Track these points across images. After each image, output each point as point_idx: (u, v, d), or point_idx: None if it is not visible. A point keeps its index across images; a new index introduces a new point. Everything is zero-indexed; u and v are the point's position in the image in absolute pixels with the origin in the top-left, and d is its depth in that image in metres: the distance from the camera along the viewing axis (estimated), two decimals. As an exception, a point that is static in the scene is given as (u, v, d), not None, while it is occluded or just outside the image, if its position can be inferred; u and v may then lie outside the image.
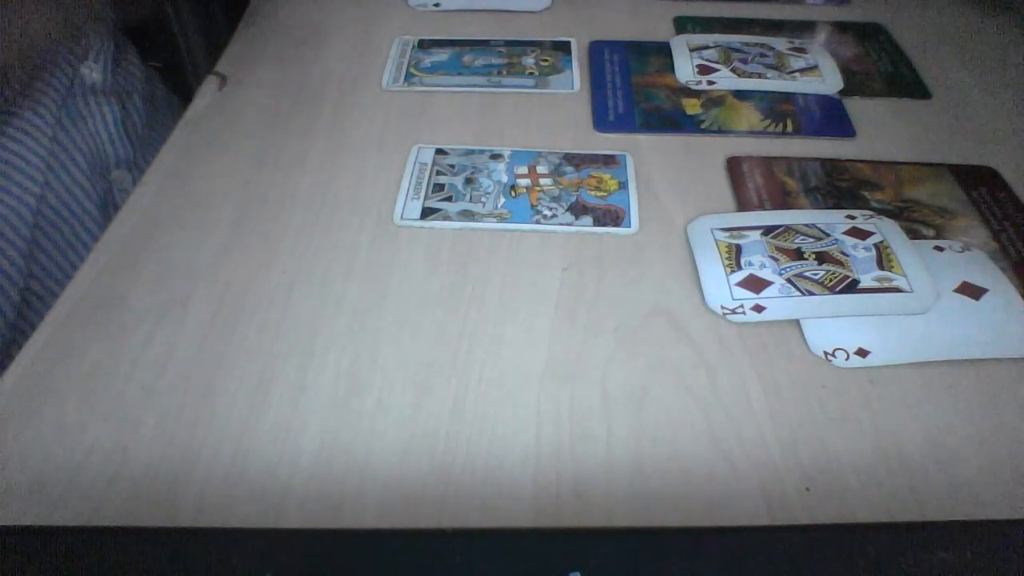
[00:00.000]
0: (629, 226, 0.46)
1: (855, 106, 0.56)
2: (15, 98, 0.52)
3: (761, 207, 0.47)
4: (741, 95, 0.57)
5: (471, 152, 0.51)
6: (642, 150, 0.52)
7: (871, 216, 0.46)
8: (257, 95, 0.57)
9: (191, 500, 0.32)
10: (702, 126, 0.54)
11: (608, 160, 0.51)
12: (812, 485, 0.33)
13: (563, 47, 0.63)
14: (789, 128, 0.54)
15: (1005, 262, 0.43)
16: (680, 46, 0.62)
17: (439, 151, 0.51)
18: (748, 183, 0.49)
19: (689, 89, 0.58)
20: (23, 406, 0.36)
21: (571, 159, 0.51)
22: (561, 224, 0.46)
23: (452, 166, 0.50)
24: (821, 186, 0.49)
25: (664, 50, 0.62)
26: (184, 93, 0.64)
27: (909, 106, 0.57)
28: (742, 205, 0.47)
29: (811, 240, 0.44)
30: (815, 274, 0.42)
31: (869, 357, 0.38)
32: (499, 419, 0.35)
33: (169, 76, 0.70)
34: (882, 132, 0.54)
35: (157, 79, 0.67)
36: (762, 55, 0.61)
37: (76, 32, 0.57)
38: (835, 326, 0.39)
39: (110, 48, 0.60)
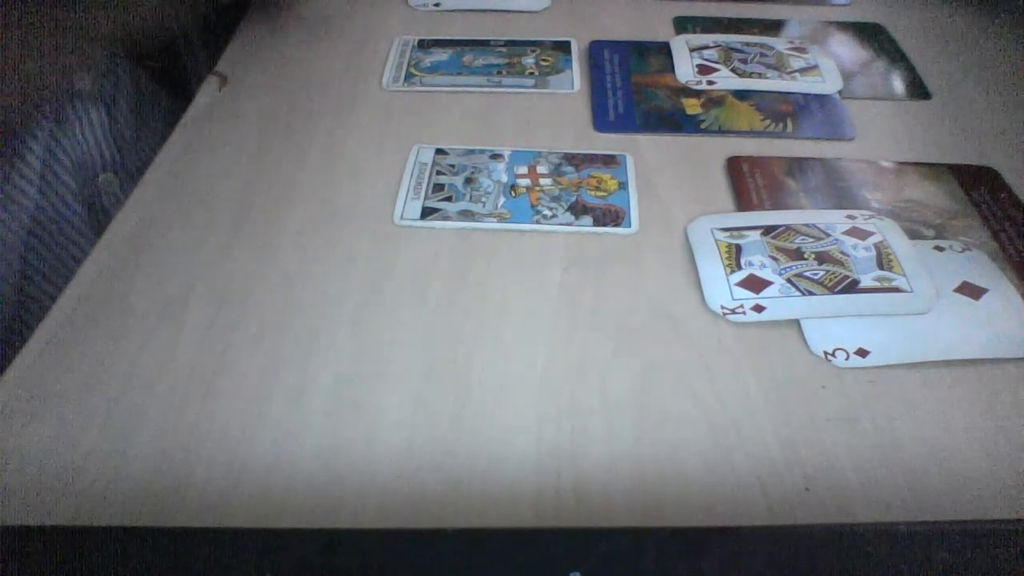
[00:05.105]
0: (629, 226, 0.46)
1: (855, 106, 0.56)
2: (13, 105, 0.53)
3: (761, 207, 0.47)
4: (741, 95, 0.57)
5: (471, 152, 0.51)
6: (642, 150, 0.52)
7: (871, 216, 0.46)
8: (257, 95, 0.57)
9: (191, 500, 0.32)
10: (702, 126, 0.54)
11: (608, 160, 0.51)
12: (812, 485, 0.33)
13: (563, 47, 0.63)
14: (789, 128, 0.54)
15: (1005, 262, 0.43)
16: (680, 46, 0.62)
17: (439, 151, 0.51)
18: (748, 183, 0.49)
19: (689, 89, 0.58)
20: (23, 406, 0.36)
21: (571, 159, 0.51)
22: (561, 224, 0.46)
23: (452, 166, 0.50)
24: (821, 186, 0.49)
25: (664, 50, 0.62)
26: (184, 93, 0.64)
27: (909, 106, 0.57)
28: (742, 205, 0.47)
29: (811, 240, 0.44)
30: (815, 274, 0.42)
31: (869, 357, 0.38)
32: (499, 419, 0.35)
33: (168, 76, 0.70)
34: (882, 132, 0.54)
35: (147, 80, 0.67)
36: (762, 55, 0.61)
37: (74, 43, 0.57)
38: (835, 326, 0.39)
39: (104, 54, 0.60)
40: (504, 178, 0.49)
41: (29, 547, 0.28)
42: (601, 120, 0.55)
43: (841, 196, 0.48)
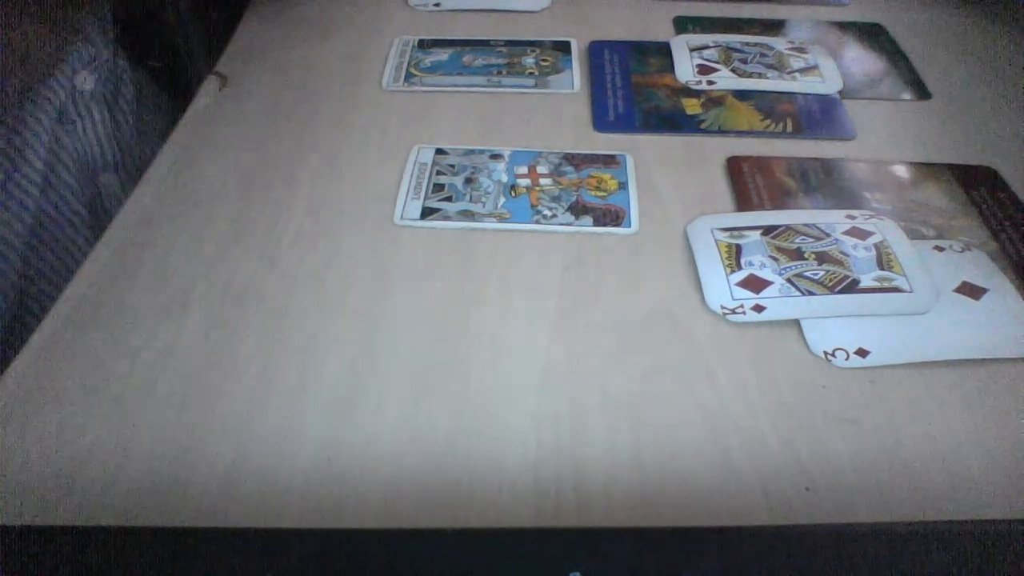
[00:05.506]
0: (629, 226, 0.46)
1: (855, 106, 0.56)
2: (15, 105, 0.53)
3: (761, 207, 0.47)
4: (741, 95, 0.57)
5: (471, 152, 0.51)
6: (642, 150, 0.52)
7: (871, 216, 0.46)
8: (257, 95, 0.57)
9: (191, 500, 0.32)
10: (702, 126, 0.54)
11: (608, 160, 0.51)
12: (812, 485, 0.33)
13: (563, 47, 0.63)
14: (789, 128, 0.54)
15: (1005, 262, 0.43)
16: (680, 46, 0.62)
17: (439, 151, 0.51)
18: (748, 183, 0.49)
19: (689, 89, 0.58)
20: (23, 406, 0.36)
21: (571, 159, 0.51)
22: (561, 224, 0.46)
23: (452, 166, 0.50)
24: (821, 186, 0.49)
25: (664, 50, 0.62)
26: (184, 93, 0.64)
27: (909, 106, 0.57)
28: (742, 205, 0.47)
29: (811, 240, 0.44)
30: (815, 274, 0.42)
31: (869, 357, 0.38)
32: (499, 419, 0.35)
33: (168, 76, 0.70)
34: (882, 132, 0.54)
35: (147, 81, 0.67)
36: (762, 55, 0.61)
37: (75, 41, 0.58)
38: (835, 326, 0.39)
39: (106, 55, 0.60)
40: (504, 178, 0.49)
41: (29, 547, 0.28)
42: (601, 120, 0.55)
43: (841, 196, 0.48)
